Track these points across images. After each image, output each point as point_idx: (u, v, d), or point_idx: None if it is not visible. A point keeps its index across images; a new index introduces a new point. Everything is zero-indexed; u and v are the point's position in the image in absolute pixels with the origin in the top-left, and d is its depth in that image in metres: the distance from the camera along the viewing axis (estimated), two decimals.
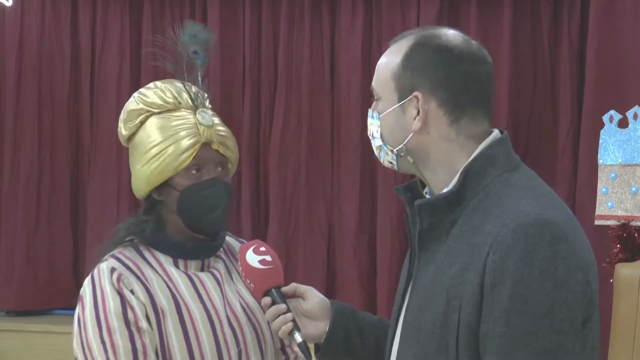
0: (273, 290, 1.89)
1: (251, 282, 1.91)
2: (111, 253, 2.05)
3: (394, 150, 1.67)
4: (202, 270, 2.07)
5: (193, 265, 2.06)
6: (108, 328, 1.95)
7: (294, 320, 1.87)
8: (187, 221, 2.01)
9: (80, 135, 5.40)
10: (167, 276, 2.02)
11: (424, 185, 1.73)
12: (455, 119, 1.63)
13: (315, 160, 5.11)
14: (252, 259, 1.91)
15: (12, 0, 5.18)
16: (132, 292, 1.97)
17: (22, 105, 5.35)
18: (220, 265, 2.10)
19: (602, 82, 4.60)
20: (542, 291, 1.46)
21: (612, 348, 3.53)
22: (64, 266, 5.38)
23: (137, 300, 1.96)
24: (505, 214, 1.52)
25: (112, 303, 1.96)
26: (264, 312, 1.92)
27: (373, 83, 1.72)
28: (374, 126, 1.70)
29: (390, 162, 1.71)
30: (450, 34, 1.67)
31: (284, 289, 1.91)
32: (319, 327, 1.89)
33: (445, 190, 1.62)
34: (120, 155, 5.26)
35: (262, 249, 1.92)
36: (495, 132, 1.68)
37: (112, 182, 5.26)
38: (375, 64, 1.75)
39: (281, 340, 2.15)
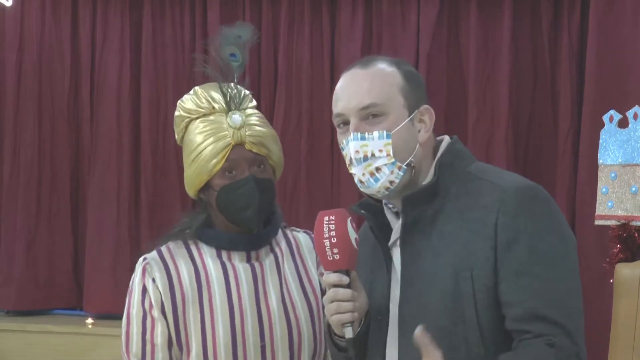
0: (348, 272, 1.77)
1: (339, 253, 1.76)
2: (159, 246, 2.17)
3: (403, 165, 1.76)
4: (247, 261, 2.13)
5: (237, 256, 2.13)
6: (128, 316, 2.11)
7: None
8: (228, 217, 2.11)
9: (80, 135, 5.40)
10: (203, 266, 2.12)
11: (377, 201, 1.86)
12: (432, 128, 1.83)
13: (315, 160, 5.11)
14: (352, 232, 1.77)
15: (12, 0, 5.19)
16: (153, 280, 2.09)
17: (22, 105, 5.35)
18: (268, 260, 2.15)
19: (602, 82, 4.60)
20: (551, 243, 1.67)
21: (612, 348, 3.53)
22: (64, 266, 5.38)
23: (154, 289, 2.08)
24: (498, 186, 1.71)
25: (136, 292, 2.11)
26: (325, 287, 1.80)
27: (374, 99, 1.75)
28: (371, 147, 1.74)
29: (392, 181, 1.75)
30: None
31: (353, 274, 1.80)
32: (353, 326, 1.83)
33: (423, 184, 1.78)
34: (120, 155, 5.26)
35: (354, 225, 1.80)
36: (447, 136, 1.86)
37: (112, 182, 5.26)
38: None
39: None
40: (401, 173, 1.75)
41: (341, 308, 1.74)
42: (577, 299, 1.68)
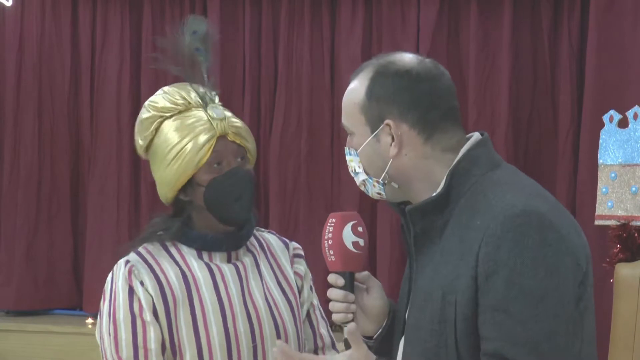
0: (349, 274, 1.82)
1: (334, 255, 1.82)
2: (135, 249, 2.11)
3: (379, 180, 1.73)
4: (228, 262, 2.10)
5: (218, 256, 2.10)
6: (114, 320, 2.02)
7: (353, 313, 1.82)
8: (217, 213, 2.05)
9: (80, 135, 5.39)
10: (187, 267, 2.07)
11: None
12: (429, 136, 1.70)
13: (315, 160, 5.11)
14: (348, 236, 1.82)
15: (12, 0, 5.18)
16: (141, 283, 2.03)
17: (22, 105, 5.35)
18: (248, 259, 2.13)
19: (602, 82, 4.59)
20: (535, 278, 1.55)
21: (612, 348, 3.53)
22: (64, 266, 5.38)
23: (145, 292, 2.02)
24: (492, 208, 1.60)
25: (121, 296, 2.03)
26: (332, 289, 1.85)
27: (343, 120, 1.77)
28: (354, 162, 1.76)
29: (379, 193, 1.76)
30: (406, 58, 1.74)
31: (358, 275, 1.85)
32: (366, 326, 1.85)
33: (433, 194, 1.69)
34: (120, 155, 5.26)
35: (360, 229, 1.83)
36: (476, 135, 1.75)
37: (112, 182, 5.26)
38: None
39: (314, 333, 2.18)
40: (382, 187, 1.74)
41: (334, 308, 1.80)
42: (558, 340, 1.55)
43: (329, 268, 1.83)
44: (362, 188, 1.77)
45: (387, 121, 1.69)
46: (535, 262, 1.55)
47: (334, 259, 1.82)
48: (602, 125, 3.85)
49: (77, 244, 5.42)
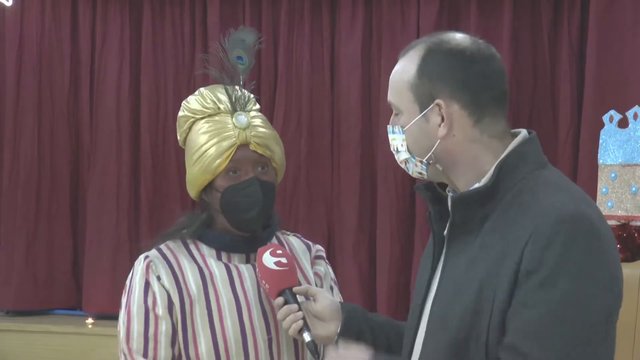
0: (286, 290, 2.00)
1: (266, 282, 2.03)
2: (157, 245, 2.18)
3: (423, 160, 1.70)
4: (247, 262, 2.17)
5: (236, 257, 2.17)
6: (129, 313, 2.10)
7: (304, 319, 1.95)
8: (229, 220, 2.13)
9: (80, 135, 5.39)
10: (206, 265, 2.14)
11: (441, 185, 1.76)
12: (479, 119, 1.66)
13: (315, 160, 5.11)
14: (269, 260, 2.03)
15: (12, 0, 5.19)
16: (158, 278, 2.10)
17: (22, 105, 5.35)
18: None
19: (602, 82, 4.60)
20: (574, 282, 1.52)
21: None
22: (64, 266, 5.38)
23: (160, 287, 2.10)
24: (542, 208, 1.56)
25: (137, 289, 2.11)
26: (277, 312, 2.03)
27: (389, 97, 1.74)
28: (397, 141, 1.73)
29: (420, 173, 1.73)
30: (458, 37, 1.72)
31: (296, 289, 2.01)
32: (329, 329, 1.96)
33: (477, 185, 1.65)
34: (120, 155, 5.26)
35: (279, 251, 2.04)
36: (524, 132, 1.71)
37: (112, 182, 5.27)
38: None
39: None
40: (424, 167, 1.70)
41: (285, 323, 1.96)
42: (580, 349, 1.52)
43: (272, 298, 2.03)
44: (403, 166, 1.75)
45: (437, 101, 1.65)
46: (578, 269, 1.52)
47: (268, 286, 2.03)
48: (602, 125, 3.85)
49: (77, 244, 5.42)
